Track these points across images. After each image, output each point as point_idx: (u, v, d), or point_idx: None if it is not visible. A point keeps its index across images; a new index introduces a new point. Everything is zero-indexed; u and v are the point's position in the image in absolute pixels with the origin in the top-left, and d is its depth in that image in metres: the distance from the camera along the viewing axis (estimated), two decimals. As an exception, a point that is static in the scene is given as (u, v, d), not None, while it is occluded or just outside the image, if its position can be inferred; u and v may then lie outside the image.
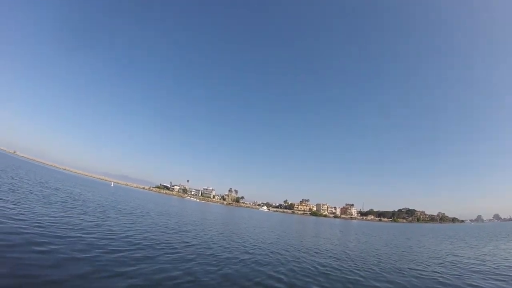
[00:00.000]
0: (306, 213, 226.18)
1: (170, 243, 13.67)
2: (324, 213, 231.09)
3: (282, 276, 10.42)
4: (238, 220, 42.91)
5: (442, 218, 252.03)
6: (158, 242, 13.21)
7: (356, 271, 12.52)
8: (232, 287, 8.57)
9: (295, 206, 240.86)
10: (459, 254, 21.12)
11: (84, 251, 9.32)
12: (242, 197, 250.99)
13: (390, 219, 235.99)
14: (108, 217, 18.37)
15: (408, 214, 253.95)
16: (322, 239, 27.24)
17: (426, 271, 13.92)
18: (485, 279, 12.77)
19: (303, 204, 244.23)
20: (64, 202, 20.89)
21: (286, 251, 16.55)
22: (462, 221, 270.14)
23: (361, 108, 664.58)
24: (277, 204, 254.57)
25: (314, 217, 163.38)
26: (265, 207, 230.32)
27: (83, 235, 11.47)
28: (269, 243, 18.99)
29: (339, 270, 12.58)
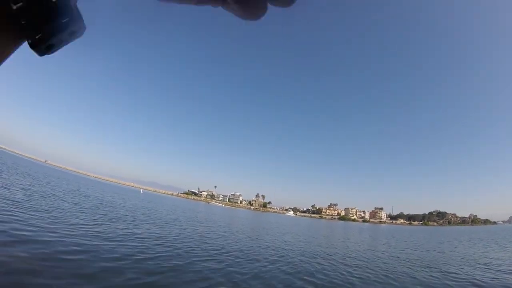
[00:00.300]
0: (334, 218, 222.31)
1: (200, 249, 13.10)
2: (352, 218, 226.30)
3: (314, 281, 10.07)
4: (266, 225, 42.18)
5: (473, 220, 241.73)
6: (188, 249, 12.65)
7: (388, 276, 12.13)
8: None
9: (323, 210, 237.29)
10: (493, 257, 20.82)
11: (116, 259, 8.76)
12: (269, 202, 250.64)
13: (420, 223, 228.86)
14: (138, 223, 17.91)
15: (439, 217, 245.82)
16: (351, 244, 26.75)
17: (460, 274, 13.51)
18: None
19: (331, 209, 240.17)
20: (95, 208, 20.46)
21: (315, 256, 16.02)
22: (494, 222, 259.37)
23: (391, 111, 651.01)
24: (305, 209, 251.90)
25: (342, 222, 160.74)
26: (291, 212, 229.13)
27: (114, 243, 10.92)
28: (298, 248, 18.35)
29: (371, 274, 12.15)
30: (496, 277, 13.01)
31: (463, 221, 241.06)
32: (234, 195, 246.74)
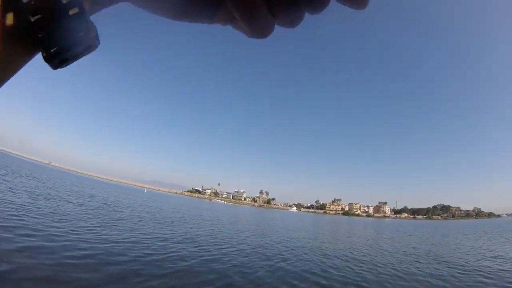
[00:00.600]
0: (338, 213, 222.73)
1: (208, 247, 13.06)
2: (356, 213, 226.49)
3: (321, 277, 9.97)
4: (270, 221, 42.24)
5: (478, 214, 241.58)
6: (195, 247, 12.62)
7: (394, 270, 12.00)
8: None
9: (327, 206, 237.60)
10: (499, 250, 20.78)
11: (124, 262, 8.65)
12: (273, 199, 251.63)
13: (424, 217, 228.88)
14: (144, 223, 17.84)
15: (443, 211, 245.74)
16: (356, 239, 26.82)
17: (467, 267, 13.43)
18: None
19: (335, 204, 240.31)
20: (100, 209, 20.42)
21: (321, 251, 16.02)
22: (499, 215, 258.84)
23: (392, 106, 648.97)
24: (309, 205, 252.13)
25: (346, 217, 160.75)
26: (294, 208, 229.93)
27: (121, 244, 10.82)
28: (305, 244, 18.41)
29: (377, 269, 12.07)
30: (504, 268, 13.04)
31: (467, 214, 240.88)
32: (238, 192, 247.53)
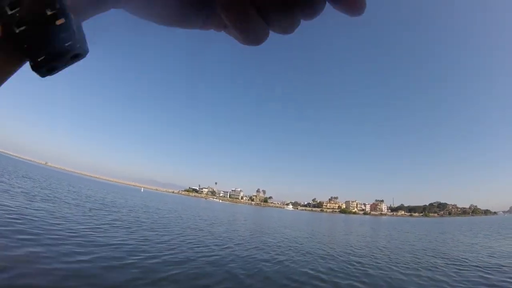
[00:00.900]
0: (335, 211, 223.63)
1: (205, 245, 13.13)
2: (353, 211, 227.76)
3: (321, 276, 9.90)
4: (266, 220, 42.32)
5: (474, 211, 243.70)
6: (192, 246, 12.66)
7: (394, 268, 11.99)
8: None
9: (324, 204, 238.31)
10: (496, 247, 20.89)
11: (120, 260, 8.70)
12: (270, 197, 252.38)
13: (421, 214, 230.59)
14: (141, 222, 17.84)
15: (440, 208, 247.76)
16: (354, 237, 26.88)
17: (465, 264, 13.41)
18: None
19: (332, 202, 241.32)
20: (97, 209, 20.30)
21: (320, 250, 15.94)
22: (495, 212, 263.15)
23: (387, 105, 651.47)
24: (306, 203, 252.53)
25: (343, 215, 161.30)
26: (290, 206, 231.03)
27: (118, 243, 10.80)
28: (301, 242, 18.44)
29: (376, 266, 12.08)
30: (503, 265, 13.10)
31: (464, 212, 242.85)
32: (235, 191, 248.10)
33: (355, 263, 12.41)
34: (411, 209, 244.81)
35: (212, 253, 11.70)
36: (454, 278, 10.59)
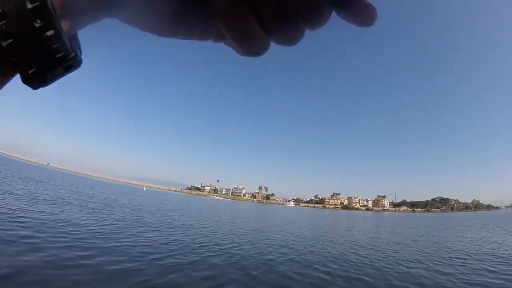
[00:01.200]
0: (338, 207, 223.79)
1: (211, 243, 13.10)
2: (356, 206, 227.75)
3: (327, 270, 10.00)
4: (269, 217, 42.38)
5: (476, 206, 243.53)
6: (199, 244, 12.63)
7: (396, 263, 11.97)
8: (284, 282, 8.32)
9: (326, 200, 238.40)
10: (499, 241, 20.85)
11: (127, 261, 8.58)
12: (273, 194, 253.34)
13: (423, 209, 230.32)
14: (146, 222, 17.79)
15: (442, 203, 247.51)
16: (357, 233, 26.78)
17: (470, 259, 13.36)
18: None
19: (334, 198, 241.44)
20: (101, 209, 20.29)
21: (324, 245, 15.99)
22: (497, 207, 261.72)
23: (390, 100, 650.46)
24: (308, 199, 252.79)
25: (345, 211, 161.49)
26: (291, 203, 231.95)
27: (124, 244, 10.68)
28: (305, 239, 18.38)
29: (381, 261, 12.14)
30: (507, 260, 13.03)
31: (466, 207, 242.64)
32: (237, 188, 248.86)
33: (358, 259, 12.33)
34: (413, 205, 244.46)
35: (217, 251, 11.63)
36: (458, 274, 10.50)
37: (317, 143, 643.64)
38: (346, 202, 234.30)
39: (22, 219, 11.71)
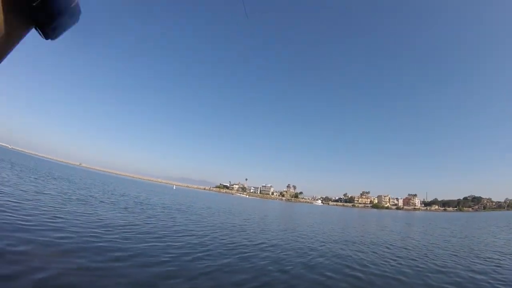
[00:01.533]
0: (367, 206, 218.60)
1: (240, 242, 13.02)
2: (385, 205, 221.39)
3: (358, 270, 9.86)
4: (299, 216, 42.15)
5: (510, 205, 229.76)
6: (228, 242, 12.60)
7: (432, 263, 11.86)
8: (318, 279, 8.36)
9: (355, 199, 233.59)
10: None
11: (156, 256, 8.69)
12: (301, 193, 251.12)
13: (455, 209, 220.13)
14: (177, 220, 17.77)
15: (474, 202, 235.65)
16: (388, 232, 26.41)
17: (505, 259, 13.49)
18: None
19: (364, 197, 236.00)
20: (132, 208, 20.26)
21: (358, 245, 15.86)
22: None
23: (423, 100, 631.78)
24: (337, 198, 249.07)
25: (375, 210, 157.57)
26: (319, 201, 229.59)
27: (158, 243, 10.58)
28: (337, 238, 18.36)
29: (417, 262, 12.01)
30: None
31: (499, 206, 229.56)
32: (265, 186, 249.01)
33: (393, 259, 12.27)
34: (445, 203, 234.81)
35: (246, 248, 11.61)
36: (495, 276, 10.21)
37: (346, 143, 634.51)
38: (376, 201, 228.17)
39: (57, 220, 11.44)
